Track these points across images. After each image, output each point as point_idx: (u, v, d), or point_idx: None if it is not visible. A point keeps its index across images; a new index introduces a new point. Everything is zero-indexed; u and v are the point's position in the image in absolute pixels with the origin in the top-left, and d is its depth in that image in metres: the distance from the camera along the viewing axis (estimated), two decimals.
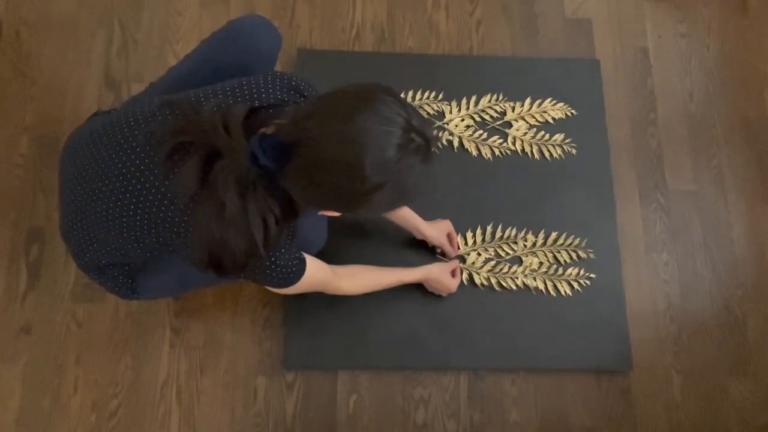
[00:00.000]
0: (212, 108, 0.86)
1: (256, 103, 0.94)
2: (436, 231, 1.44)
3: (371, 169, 0.78)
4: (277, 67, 1.62)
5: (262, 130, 0.87)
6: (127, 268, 1.12)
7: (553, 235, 1.53)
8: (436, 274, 1.39)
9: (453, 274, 1.43)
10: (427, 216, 1.45)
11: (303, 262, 1.06)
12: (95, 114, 1.17)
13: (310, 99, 0.99)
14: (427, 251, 1.48)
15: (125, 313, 1.43)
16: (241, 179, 0.82)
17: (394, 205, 0.89)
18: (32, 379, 1.38)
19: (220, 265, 0.88)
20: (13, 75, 1.58)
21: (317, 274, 1.13)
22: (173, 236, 0.95)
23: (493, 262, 1.49)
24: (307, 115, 0.82)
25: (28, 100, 1.56)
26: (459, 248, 1.49)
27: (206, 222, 0.85)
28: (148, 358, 1.41)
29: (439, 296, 1.45)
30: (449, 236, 1.47)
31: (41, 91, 1.57)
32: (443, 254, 1.48)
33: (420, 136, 0.81)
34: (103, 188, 0.97)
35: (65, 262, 1.45)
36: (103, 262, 1.08)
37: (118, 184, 0.95)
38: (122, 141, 0.96)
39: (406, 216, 1.40)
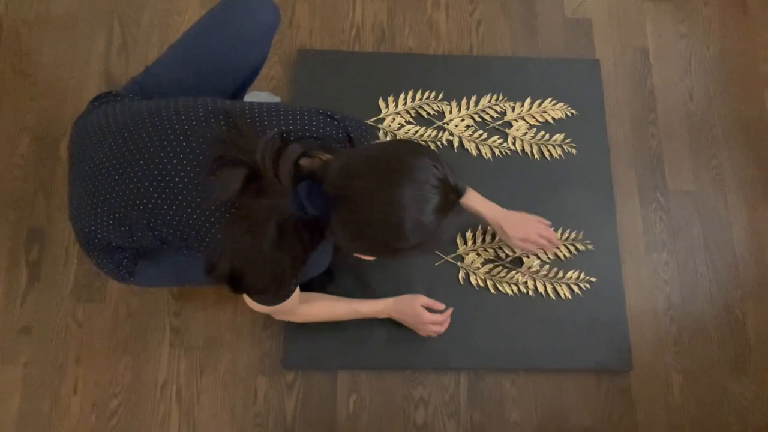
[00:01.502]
0: (268, 140, 0.87)
1: (307, 135, 0.98)
2: (518, 236, 1.36)
3: (411, 231, 0.83)
4: (277, 67, 1.63)
5: (303, 161, 0.89)
6: (134, 252, 1.12)
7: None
8: (401, 308, 1.34)
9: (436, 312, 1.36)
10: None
11: (295, 287, 1.09)
12: (99, 97, 1.15)
13: (358, 152, 0.99)
14: (428, 258, 1.48)
15: (125, 313, 1.43)
16: (284, 221, 0.85)
17: (427, 253, 0.94)
18: (32, 379, 1.38)
19: (239, 284, 0.91)
20: (13, 75, 1.58)
21: (292, 300, 1.14)
22: (192, 233, 0.97)
23: (491, 265, 1.49)
24: (354, 174, 0.85)
25: (28, 100, 1.56)
26: (548, 247, 1.39)
27: (240, 247, 0.88)
28: (148, 358, 1.41)
29: (440, 296, 1.44)
30: (535, 237, 1.37)
31: (41, 91, 1.57)
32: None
33: (455, 193, 0.86)
34: (138, 171, 0.97)
35: (65, 262, 1.45)
36: (113, 244, 1.08)
37: (152, 168, 0.96)
38: (169, 132, 0.97)
39: (484, 213, 1.36)
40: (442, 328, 1.36)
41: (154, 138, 0.97)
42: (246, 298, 1.11)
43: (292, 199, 0.85)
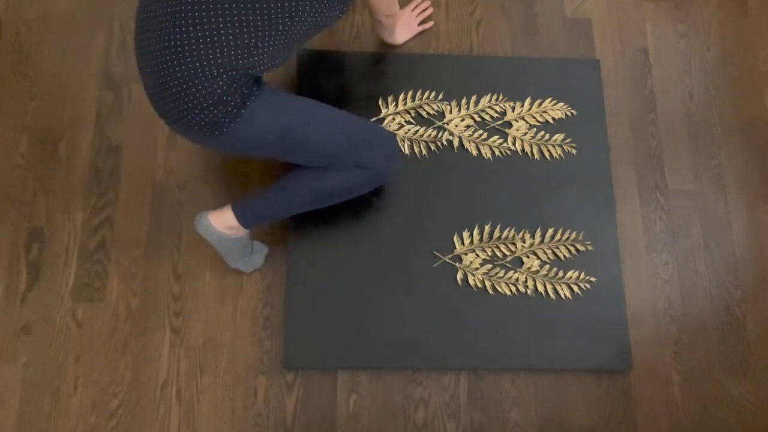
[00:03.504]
0: None
1: None
2: (404, 34, 1.65)
3: None
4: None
5: None
6: (244, 79, 1.10)
7: (550, 231, 1.53)
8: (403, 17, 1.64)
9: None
10: (422, 218, 1.46)
11: None
12: None
13: None
14: (426, 259, 1.49)
15: (125, 313, 1.43)
16: None
17: None
18: (32, 379, 1.38)
19: None
20: (13, 75, 1.58)
21: None
22: None
23: (489, 266, 1.49)
24: None
25: (28, 100, 1.56)
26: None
27: None
28: (148, 358, 1.41)
29: (439, 296, 1.45)
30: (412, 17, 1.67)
31: (41, 91, 1.57)
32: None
33: None
34: None
35: (65, 262, 1.45)
36: (225, 67, 1.06)
37: None
38: None
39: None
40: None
41: None
42: None
43: None
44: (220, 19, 1.04)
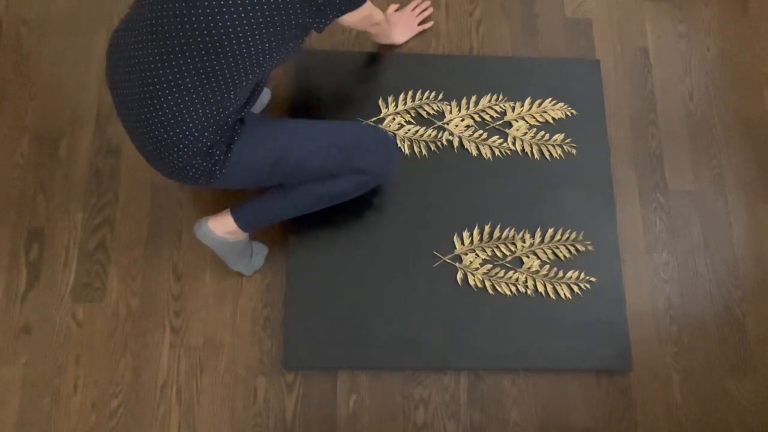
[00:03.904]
0: None
1: None
2: (404, 34, 1.65)
3: None
4: (277, 66, 1.62)
5: None
6: (226, 127, 1.13)
7: (550, 231, 1.53)
8: (395, 19, 1.63)
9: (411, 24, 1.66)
10: (423, 218, 1.46)
11: None
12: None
13: None
14: (426, 259, 1.49)
15: (125, 313, 1.43)
16: None
17: None
18: (32, 379, 1.38)
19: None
20: (13, 75, 1.58)
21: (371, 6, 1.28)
22: None
23: (489, 266, 1.49)
24: None
25: (28, 100, 1.56)
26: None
27: None
28: (148, 358, 1.41)
29: (439, 296, 1.45)
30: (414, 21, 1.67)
31: (41, 91, 1.57)
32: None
33: None
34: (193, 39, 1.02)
35: (65, 262, 1.45)
36: (204, 125, 1.09)
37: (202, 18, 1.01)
38: None
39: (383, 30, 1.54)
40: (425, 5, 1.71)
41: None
42: (354, 16, 1.21)
43: None
44: (189, 85, 1.05)
